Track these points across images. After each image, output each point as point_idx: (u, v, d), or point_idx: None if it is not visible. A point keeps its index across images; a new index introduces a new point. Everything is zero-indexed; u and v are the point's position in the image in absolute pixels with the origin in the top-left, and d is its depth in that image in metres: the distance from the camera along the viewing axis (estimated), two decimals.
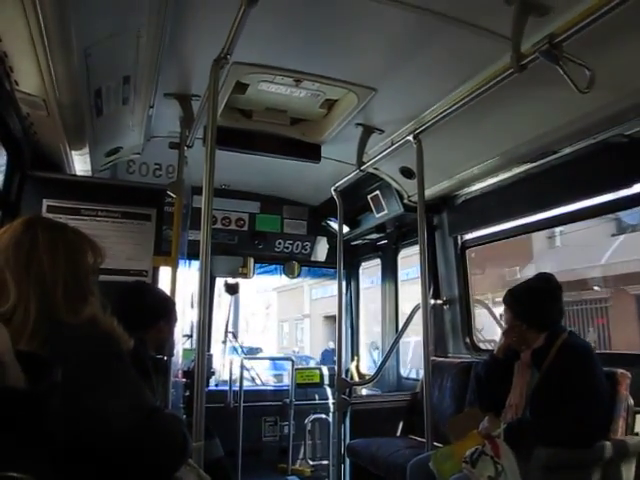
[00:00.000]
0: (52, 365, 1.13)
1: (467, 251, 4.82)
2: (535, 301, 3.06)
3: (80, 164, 3.61)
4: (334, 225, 5.55)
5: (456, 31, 2.65)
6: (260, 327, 26.41)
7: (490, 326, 5.28)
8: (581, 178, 3.52)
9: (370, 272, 6.59)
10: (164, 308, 2.98)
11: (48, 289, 1.45)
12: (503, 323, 3.20)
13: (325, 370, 5.96)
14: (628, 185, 3.31)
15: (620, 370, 2.96)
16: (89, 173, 3.84)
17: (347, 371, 6.15)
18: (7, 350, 1.02)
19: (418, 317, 4.51)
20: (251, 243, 5.72)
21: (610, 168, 3.32)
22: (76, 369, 1.31)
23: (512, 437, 2.74)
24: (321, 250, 6.10)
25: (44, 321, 1.40)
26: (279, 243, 5.89)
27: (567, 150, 3.50)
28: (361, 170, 4.11)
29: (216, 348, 5.95)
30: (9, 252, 1.47)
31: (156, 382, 2.85)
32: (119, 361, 1.47)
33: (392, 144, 3.76)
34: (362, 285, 6.49)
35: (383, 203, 4.98)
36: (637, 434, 2.91)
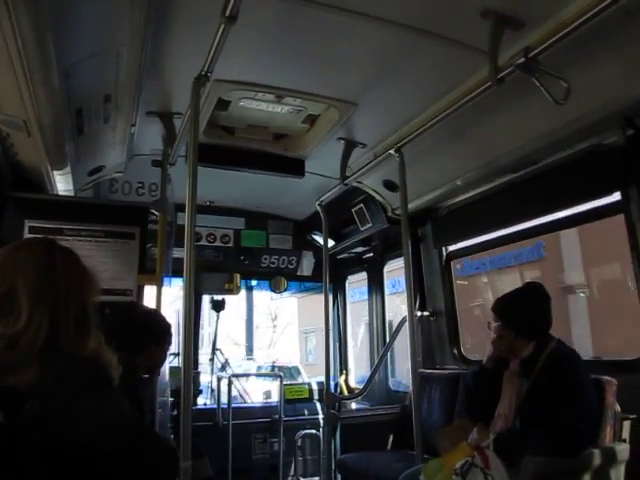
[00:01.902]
0: (28, 398, 1.12)
1: (452, 262, 4.85)
2: (524, 310, 3.07)
3: (62, 184, 3.59)
4: (319, 239, 5.56)
5: (434, 45, 2.69)
6: (267, 342, 24.01)
7: None
8: (562, 187, 3.56)
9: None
10: (155, 331, 2.90)
11: (60, 318, 1.41)
12: (491, 332, 3.20)
13: (314, 385, 5.93)
14: (608, 193, 3.36)
15: (606, 377, 2.98)
16: (71, 193, 3.82)
17: (336, 385, 6.13)
18: None
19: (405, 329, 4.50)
20: (237, 259, 5.70)
21: (590, 176, 3.37)
22: (68, 397, 1.30)
23: (501, 447, 2.74)
24: (307, 264, 6.09)
25: (48, 349, 1.35)
26: (265, 258, 5.88)
27: (548, 160, 3.54)
28: (345, 184, 4.14)
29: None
30: (27, 272, 1.42)
31: (143, 402, 2.82)
32: (109, 387, 1.45)
33: (375, 157, 3.78)
34: None
35: (367, 216, 5.00)
36: (625, 441, 2.92)
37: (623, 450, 2.86)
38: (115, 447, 1.36)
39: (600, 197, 3.46)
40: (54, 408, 1.26)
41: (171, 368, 4.07)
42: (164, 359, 3.07)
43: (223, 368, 6.06)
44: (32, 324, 1.36)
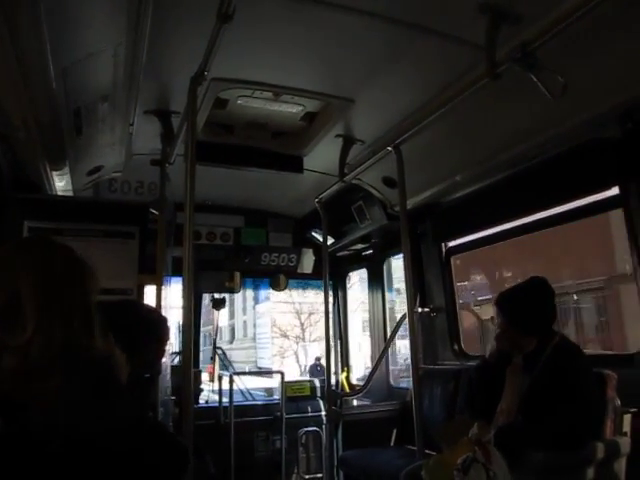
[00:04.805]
0: (26, 407, 1.12)
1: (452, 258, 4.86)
2: (527, 305, 3.04)
3: (61, 184, 3.59)
4: (319, 237, 5.55)
5: (431, 41, 2.69)
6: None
7: None
8: (562, 182, 3.56)
9: None
10: (153, 330, 2.89)
11: (69, 320, 1.35)
12: (495, 327, 3.19)
13: (317, 382, 5.92)
14: (607, 187, 3.36)
15: (607, 371, 2.98)
16: (70, 193, 3.82)
17: (338, 382, 6.14)
18: None
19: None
20: (237, 257, 5.69)
21: (589, 171, 3.36)
22: (82, 400, 1.29)
23: (502, 442, 2.74)
24: (307, 262, 6.09)
25: (64, 354, 1.30)
26: (265, 256, 5.87)
27: (547, 155, 3.54)
28: (343, 181, 4.13)
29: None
30: (29, 275, 1.35)
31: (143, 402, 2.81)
32: (120, 387, 1.47)
33: (373, 154, 3.77)
34: None
35: (367, 213, 5.00)
36: (625, 434, 2.93)
37: (625, 443, 2.87)
38: (126, 446, 1.36)
39: (599, 191, 3.45)
40: (67, 411, 1.25)
41: (173, 367, 4.07)
42: (161, 357, 3.07)
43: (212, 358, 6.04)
44: (40, 331, 1.29)
